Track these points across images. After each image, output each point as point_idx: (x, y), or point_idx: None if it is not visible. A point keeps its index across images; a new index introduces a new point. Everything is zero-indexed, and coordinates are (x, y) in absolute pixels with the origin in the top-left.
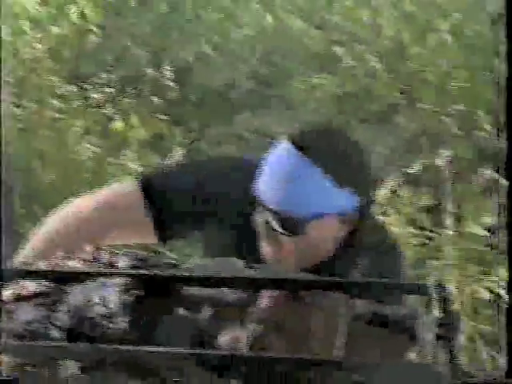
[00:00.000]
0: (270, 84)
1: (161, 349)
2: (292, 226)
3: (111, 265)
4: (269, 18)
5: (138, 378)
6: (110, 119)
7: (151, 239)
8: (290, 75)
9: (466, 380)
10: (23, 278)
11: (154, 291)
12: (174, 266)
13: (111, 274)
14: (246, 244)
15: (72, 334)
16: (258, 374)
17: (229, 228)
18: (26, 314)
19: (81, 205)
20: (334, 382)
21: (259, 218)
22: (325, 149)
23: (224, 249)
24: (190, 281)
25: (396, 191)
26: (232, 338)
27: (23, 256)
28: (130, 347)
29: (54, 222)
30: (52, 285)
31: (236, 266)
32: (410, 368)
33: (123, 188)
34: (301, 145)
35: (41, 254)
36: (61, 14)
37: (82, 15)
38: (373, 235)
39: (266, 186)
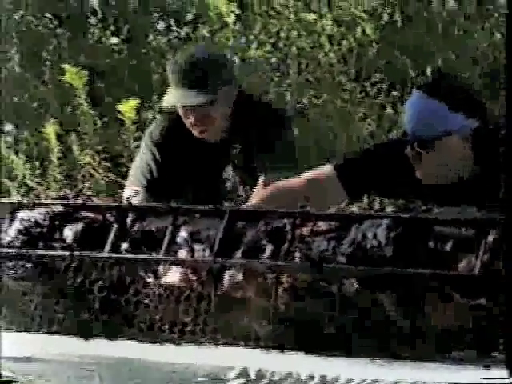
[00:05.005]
0: (495, 76)
1: (419, 270)
2: (426, 144)
3: (381, 209)
4: (497, 35)
5: (395, 293)
6: (383, 107)
7: (344, 200)
8: None
9: None
10: (317, 218)
11: (411, 229)
12: (427, 211)
13: (381, 217)
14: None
15: (352, 260)
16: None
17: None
18: (320, 244)
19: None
20: None
21: (407, 145)
22: (443, 88)
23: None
24: (437, 222)
25: None
26: (468, 264)
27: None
28: (395, 269)
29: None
30: (337, 224)
31: (471, 212)
32: None
33: (323, 171)
34: (426, 89)
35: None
36: (348, 32)
37: (364, 33)
38: None
39: (406, 120)
